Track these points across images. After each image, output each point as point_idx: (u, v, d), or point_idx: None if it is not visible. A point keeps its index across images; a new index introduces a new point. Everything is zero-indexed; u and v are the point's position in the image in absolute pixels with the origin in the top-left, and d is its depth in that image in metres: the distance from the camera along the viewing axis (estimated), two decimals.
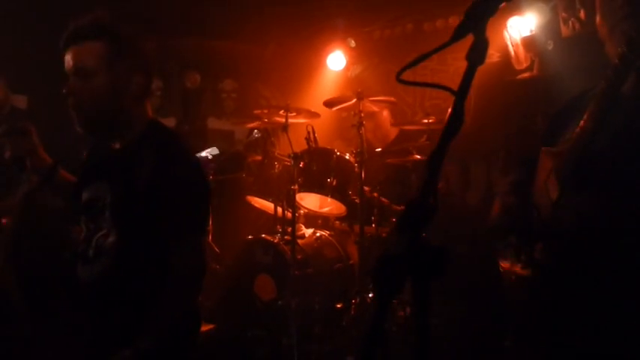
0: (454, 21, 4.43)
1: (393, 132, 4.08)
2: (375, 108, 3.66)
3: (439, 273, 0.79)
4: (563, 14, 3.68)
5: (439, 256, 0.79)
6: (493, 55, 4.18)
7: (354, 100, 3.48)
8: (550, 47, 3.83)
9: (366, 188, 3.46)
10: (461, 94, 0.89)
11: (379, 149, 3.71)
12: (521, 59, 3.93)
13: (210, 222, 4.05)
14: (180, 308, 1.61)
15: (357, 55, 5.22)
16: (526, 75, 3.89)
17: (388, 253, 0.76)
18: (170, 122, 5.08)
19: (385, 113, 4.15)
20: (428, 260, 0.78)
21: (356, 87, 3.68)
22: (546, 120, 2.29)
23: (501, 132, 3.91)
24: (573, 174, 1.53)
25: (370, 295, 3.46)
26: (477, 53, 0.93)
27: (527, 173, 1.79)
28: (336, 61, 5.17)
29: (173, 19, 4.99)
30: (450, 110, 0.89)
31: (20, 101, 4.25)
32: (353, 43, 5.13)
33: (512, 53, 3.96)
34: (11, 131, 1.88)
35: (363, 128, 3.45)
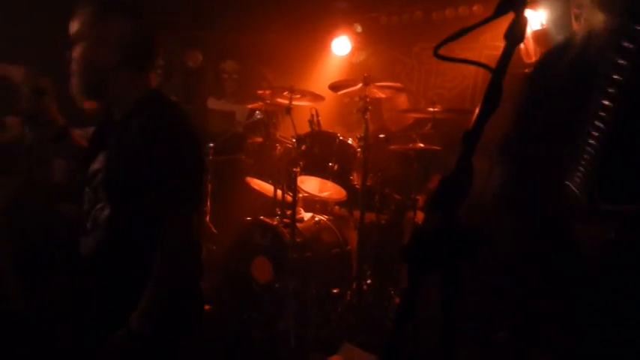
0: (464, 11, 4.37)
1: (410, 117, 4.04)
2: (381, 94, 3.62)
3: (470, 255, 0.76)
4: (575, 10, 3.64)
5: (470, 237, 0.76)
6: (501, 47, 4.13)
7: (360, 84, 3.44)
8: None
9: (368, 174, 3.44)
10: (499, 71, 0.85)
11: (382, 135, 3.67)
12: (531, 53, 3.88)
13: (208, 203, 4.03)
14: (167, 286, 1.57)
15: (362, 41, 5.16)
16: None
17: (421, 229, 0.72)
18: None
19: (403, 97, 4.13)
20: (459, 240, 0.75)
21: (360, 73, 3.63)
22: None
23: (506, 124, 3.87)
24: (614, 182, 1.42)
25: (368, 282, 3.45)
26: (517, 32, 0.90)
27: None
28: (341, 46, 5.11)
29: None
30: (487, 87, 0.85)
31: (15, 72, 4.15)
32: (359, 29, 5.06)
33: (523, 46, 3.91)
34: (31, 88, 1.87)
35: (368, 113, 3.40)
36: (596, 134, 1.38)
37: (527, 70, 3.91)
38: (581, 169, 1.42)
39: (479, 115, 0.82)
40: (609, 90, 1.35)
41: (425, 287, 0.77)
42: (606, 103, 1.36)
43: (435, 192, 0.77)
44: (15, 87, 3.97)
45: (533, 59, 3.79)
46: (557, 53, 1.62)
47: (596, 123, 1.38)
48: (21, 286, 3.38)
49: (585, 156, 1.41)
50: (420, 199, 3.51)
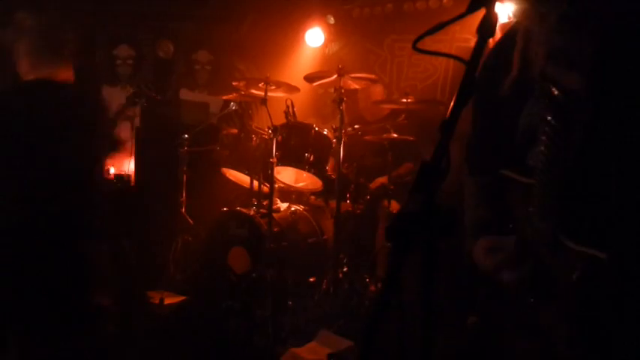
0: (434, 3, 4.45)
1: (385, 108, 4.11)
2: (355, 85, 3.68)
3: (449, 233, 0.82)
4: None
5: (449, 217, 0.82)
6: (470, 40, 4.25)
7: (335, 76, 3.48)
8: None
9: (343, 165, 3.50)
10: (472, 64, 0.91)
11: (357, 126, 3.74)
12: None
13: (184, 194, 4.03)
14: None
15: (335, 33, 5.19)
16: None
17: (405, 210, 0.78)
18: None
19: (378, 88, 4.19)
20: (439, 220, 0.81)
21: (334, 64, 3.68)
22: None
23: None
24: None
25: (344, 270, 3.52)
26: (488, 27, 0.96)
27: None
28: (315, 37, 5.13)
29: None
30: (462, 79, 0.91)
31: None
32: (332, 20, 5.10)
33: (491, 40, 4.02)
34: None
35: (343, 104, 3.46)
36: (544, 157, 1.20)
37: None
38: (539, 197, 1.23)
39: (453, 106, 0.88)
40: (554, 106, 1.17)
41: (405, 272, 0.82)
42: (551, 121, 1.18)
43: (416, 176, 0.83)
44: None
45: None
46: (499, 54, 1.38)
47: (543, 144, 1.19)
48: None
49: (540, 181, 1.21)
50: (382, 182, 3.61)
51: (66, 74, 2.70)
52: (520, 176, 1.28)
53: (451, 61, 4.27)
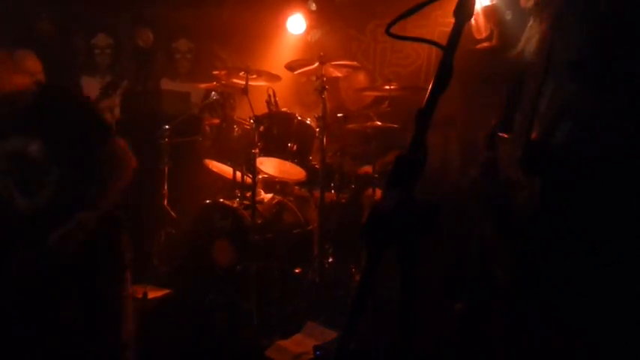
0: None
1: (368, 96, 4.04)
2: (337, 73, 3.61)
3: (428, 230, 0.78)
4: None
5: (429, 213, 0.78)
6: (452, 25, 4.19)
7: (317, 64, 3.42)
8: (509, 17, 3.86)
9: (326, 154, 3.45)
10: (450, 48, 0.86)
11: (341, 114, 3.68)
12: (482, 29, 3.94)
13: (165, 186, 3.95)
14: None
15: (317, 19, 5.10)
16: (485, 44, 3.91)
17: (378, 208, 0.74)
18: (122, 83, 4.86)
19: (361, 76, 4.13)
20: (417, 217, 0.77)
21: (316, 51, 3.61)
22: (505, 96, 2.37)
23: (459, 101, 3.95)
24: (532, 162, 1.73)
25: (330, 260, 3.49)
26: (465, 9, 0.91)
27: (490, 154, 1.97)
28: (296, 24, 5.04)
29: None
30: (439, 65, 0.87)
31: None
32: (314, 6, 5.01)
33: (473, 22, 3.97)
34: None
35: (325, 93, 3.40)
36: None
37: (478, 47, 4.00)
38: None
39: (430, 94, 0.83)
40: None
41: (385, 264, 0.79)
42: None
43: (391, 170, 0.78)
44: None
45: (484, 35, 3.86)
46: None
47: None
48: None
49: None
50: (367, 170, 3.58)
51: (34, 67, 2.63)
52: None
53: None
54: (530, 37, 2.09)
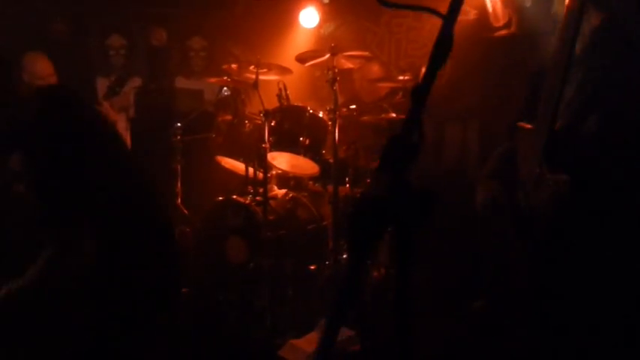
0: None
1: (383, 87, 3.94)
2: (349, 64, 3.52)
3: (424, 220, 0.69)
4: None
5: (424, 201, 0.69)
6: (470, 12, 4.06)
7: (328, 55, 3.33)
8: (528, 4, 3.72)
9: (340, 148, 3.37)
10: (449, 17, 0.77)
11: (354, 106, 3.59)
12: (499, 16, 3.81)
13: (179, 183, 3.92)
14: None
15: (330, 12, 5.02)
16: (504, 32, 3.78)
17: (366, 195, 0.65)
18: (136, 82, 4.84)
19: (375, 67, 4.03)
20: (411, 205, 0.68)
21: (329, 45, 3.52)
22: (524, 86, 2.27)
23: (478, 91, 3.83)
24: (556, 154, 1.61)
25: (344, 257, 3.41)
26: None
27: (509, 146, 1.88)
28: (309, 17, 4.96)
29: None
30: (437, 36, 0.78)
31: None
32: None
33: (490, 9, 3.84)
34: None
35: (337, 85, 3.31)
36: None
37: (495, 34, 3.86)
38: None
39: (428, 68, 0.74)
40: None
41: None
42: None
43: (383, 153, 0.70)
44: None
45: (502, 22, 3.73)
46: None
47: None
48: None
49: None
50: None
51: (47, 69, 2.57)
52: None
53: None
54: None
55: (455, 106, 4.02)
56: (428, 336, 2.79)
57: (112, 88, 3.40)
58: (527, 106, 1.87)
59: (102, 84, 4.83)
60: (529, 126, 1.78)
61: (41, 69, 3.46)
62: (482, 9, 3.97)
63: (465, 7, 4.15)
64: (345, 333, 2.68)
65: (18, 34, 4.38)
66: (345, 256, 3.38)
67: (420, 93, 0.74)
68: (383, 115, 3.42)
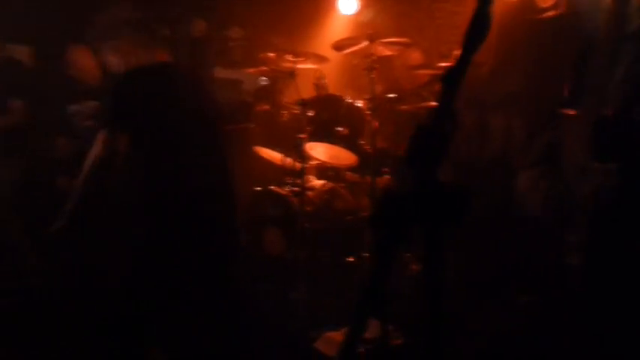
0: None
1: (425, 74, 3.82)
2: (388, 51, 3.42)
3: (456, 219, 0.62)
4: None
5: (457, 198, 0.62)
6: None
7: (366, 42, 3.25)
8: None
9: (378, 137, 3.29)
10: None
11: (392, 95, 3.50)
12: None
13: None
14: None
15: None
16: (552, 13, 3.58)
17: (391, 191, 0.59)
18: None
19: (416, 54, 3.91)
20: (442, 202, 0.61)
21: (367, 31, 3.43)
22: (572, 69, 2.14)
23: (524, 76, 3.65)
24: (604, 142, 1.50)
25: None
26: None
27: (554, 133, 1.76)
28: (348, 4, 4.86)
29: None
30: (472, 17, 0.70)
31: (21, 53, 4.06)
32: None
33: None
34: None
35: (374, 72, 3.22)
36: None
37: (542, 16, 3.67)
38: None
39: (463, 51, 0.67)
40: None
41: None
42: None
43: (409, 144, 0.63)
44: (21, 70, 3.89)
45: (550, 2, 3.53)
46: None
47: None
48: (36, 262, 3.37)
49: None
50: None
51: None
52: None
53: (497, 17, 3.90)
54: None
55: (498, 93, 3.85)
56: (473, 331, 2.71)
57: None
58: (573, 92, 1.76)
59: None
60: (574, 112, 1.67)
61: (85, 63, 3.53)
62: None
63: None
64: (384, 327, 2.62)
65: (61, 25, 4.48)
66: None
67: (452, 78, 0.67)
68: (423, 104, 3.31)
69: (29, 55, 4.14)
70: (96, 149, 2.04)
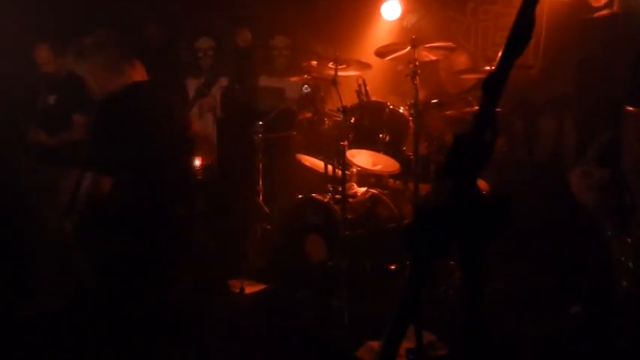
0: None
1: (470, 79, 3.74)
2: (431, 56, 3.37)
3: (496, 232, 0.59)
4: None
5: (498, 210, 0.59)
6: None
7: (408, 48, 3.21)
8: None
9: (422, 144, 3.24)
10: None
11: (435, 101, 3.44)
12: None
13: (260, 182, 3.98)
14: None
15: (413, 3, 4.85)
16: (605, 12, 3.44)
17: (428, 204, 0.57)
18: (223, 82, 5.00)
19: (462, 57, 3.84)
20: (481, 215, 0.58)
21: (412, 37, 3.39)
22: (629, 67, 2.04)
23: (575, 77, 3.51)
24: None
25: None
26: None
27: (613, 133, 1.68)
28: (391, 9, 4.82)
29: None
30: (515, 20, 0.67)
31: (41, 50, 4.22)
32: None
33: None
34: None
35: (417, 78, 3.18)
36: None
37: (595, 15, 3.52)
38: None
39: (504, 55, 0.64)
40: None
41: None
42: None
43: (448, 155, 0.61)
44: (83, 86, 4.07)
45: (603, 1, 3.38)
46: None
47: None
48: (88, 264, 3.48)
49: None
50: None
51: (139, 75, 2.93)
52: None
53: (543, 17, 3.77)
54: None
55: (549, 95, 3.73)
56: (523, 340, 2.63)
57: (200, 91, 3.52)
58: (631, 90, 1.67)
59: (191, 85, 5.03)
60: (636, 109, 1.59)
61: (133, 73, 3.66)
62: None
63: None
64: (427, 338, 2.56)
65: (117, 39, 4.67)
66: None
67: (493, 84, 0.64)
68: (468, 109, 3.23)
69: (46, 51, 4.30)
70: (83, 192, 2.62)
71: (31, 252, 3.60)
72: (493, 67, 2.60)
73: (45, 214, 3.68)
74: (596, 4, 3.49)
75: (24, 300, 3.25)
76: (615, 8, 3.40)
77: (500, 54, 0.67)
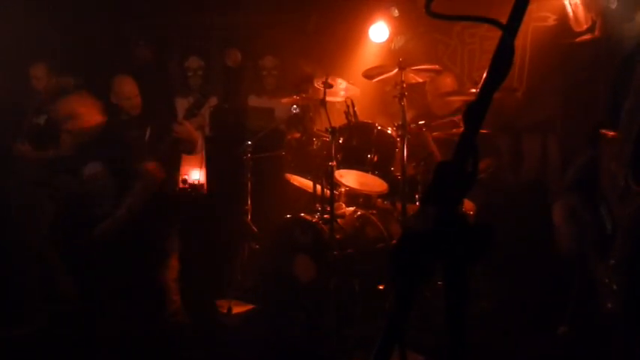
0: None
1: (456, 101, 3.80)
2: (418, 78, 3.43)
3: (477, 257, 0.61)
4: None
5: (479, 235, 0.61)
6: (549, 18, 3.84)
7: (396, 70, 3.26)
8: (613, 6, 3.46)
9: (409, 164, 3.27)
10: (510, 27, 0.69)
11: (422, 122, 3.48)
12: (581, 20, 3.57)
13: (249, 201, 3.98)
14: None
15: (400, 25, 4.94)
16: (587, 37, 3.54)
17: (411, 230, 0.59)
18: (212, 101, 5.02)
19: (448, 80, 3.90)
20: (463, 241, 0.60)
21: (398, 59, 3.45)
22: (609, 91, 2.10)
23: (559, 99, 3.59)
24: None
25: None
26: None
27: (591, 155, 1.74)
28: (379, 32, 4.90)
29: None
30: (495, 50, 0.70)
31: (38, 69, 4.25)
32: (396, 12, 4.84)
33: (571, 14, 3.61)
34: None
35: (405, 100, 3.23)
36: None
37: (577, 40, 3.62)
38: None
39: (485, 84, 0.67)
40: None
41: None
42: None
43: (431, 182, 0.63)
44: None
45: (585, 27, 3.49)
46: None
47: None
48: (73, 286, 3.44)
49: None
50: None
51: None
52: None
53: (527, 42, 3.87)
54: None
55: (534, 117, 3.80)
56: None
57: (190, 110, 3.54)
58: (611, 113, 1.73)
59: (180, 104, 5.04)
60: (612, 133, 1.64)
61: (128, 90, 3.70)
62: (562, 14, 3.75)
63: (544, 13, 3.94)
64: (414, 358, 2.56)
65: (108, 59, 4.71)
66: None
67: (474, 113, 0.66)
68: (454, 130, 3.28)
69: (44, 71, 4.32)
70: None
71: (18, 271, 3.56)
72: (478, 90, 2.65)
73: (29, 237, 3.65)
74: (578, 29, 3.60)
75: (11, 320, 3.21)
76: (597, 33, 3.50)
77: (481, 82, 0.70)
